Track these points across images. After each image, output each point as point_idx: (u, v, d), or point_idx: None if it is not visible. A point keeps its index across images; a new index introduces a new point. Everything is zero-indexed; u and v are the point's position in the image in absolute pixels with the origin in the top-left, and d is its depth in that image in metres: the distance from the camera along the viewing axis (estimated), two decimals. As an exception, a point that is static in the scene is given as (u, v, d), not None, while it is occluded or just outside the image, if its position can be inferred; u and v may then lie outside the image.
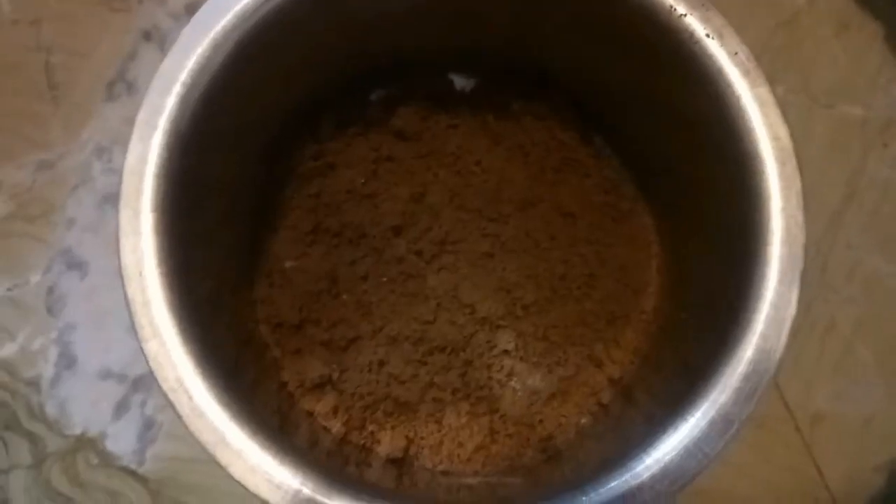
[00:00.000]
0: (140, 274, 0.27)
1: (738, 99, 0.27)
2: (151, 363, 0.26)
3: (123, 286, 0.27)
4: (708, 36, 0.28)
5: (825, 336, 0.40)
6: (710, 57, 0.28)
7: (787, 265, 0.26)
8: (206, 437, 0.26)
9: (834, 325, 0.40)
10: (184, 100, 0.28)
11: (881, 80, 0.42)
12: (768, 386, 0.26)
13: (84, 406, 0.40)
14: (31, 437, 0.40)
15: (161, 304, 0.27)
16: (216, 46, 0.29)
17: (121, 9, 0.45)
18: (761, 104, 0.27)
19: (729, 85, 0.28)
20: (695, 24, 0.28)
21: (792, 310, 0.26)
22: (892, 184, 0.41)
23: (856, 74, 0.42)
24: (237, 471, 0.25)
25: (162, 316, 0.27)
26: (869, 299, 0.40)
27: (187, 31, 0.29)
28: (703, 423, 0.26)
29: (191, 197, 0.29)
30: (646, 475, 0.26)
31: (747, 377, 0.26)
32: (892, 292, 0.40)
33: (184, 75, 0.28)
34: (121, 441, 0.39)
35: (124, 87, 0.44)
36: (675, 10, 0.28)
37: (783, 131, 0.27)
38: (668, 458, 0.25)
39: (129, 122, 0.28)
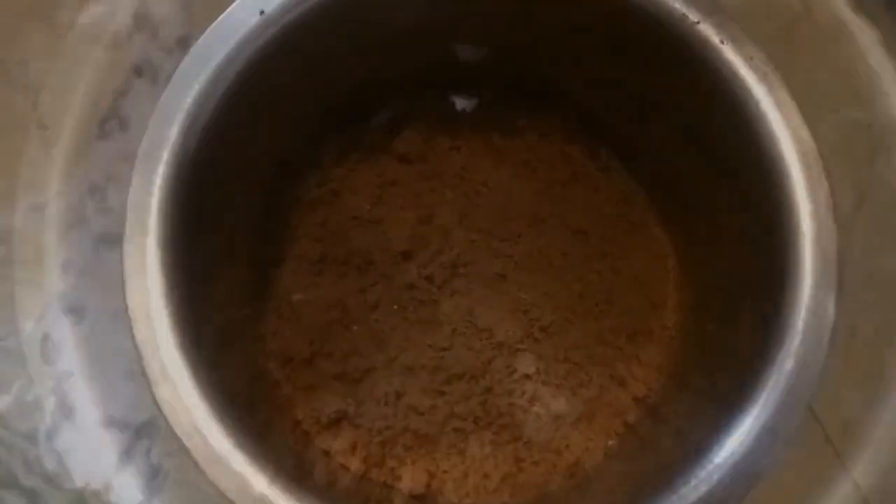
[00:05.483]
0: (148, 315, 0.26)
1: (756, 103, 0.27)
2: (164, 408, 0.25)
3: (132, 329, 0.25)
4: (722, 42, 0.27)
5: (848, 344, 0.39)
6: (725, 63, 0.27)
7: (821, 270, 0.25)
8: (225, 484, 0.24)
9: (856, 332, 0.39)
10: (188, 130, 0.27)
11: (882, 84, 0.42)
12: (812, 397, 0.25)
13: (85, 457, 0.38)
14: (30, 495, 0.38)
15: (171, 346, 0.26)
16: (218, 76, 0.28)
17: (110, 45, 0.44)
18: (781, 107, 0.27)
19: (747, 90, 0.27)
20: (708, 31, 0.28)
21: (831, 316, 0.25)
22: (903, 185, 0.40)
23: (857, 79, 0.42)
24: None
25: (172, 358, 0.26)
26: (889, 304, 0.39)
27: (187, 62, 0.29)
28: (749, 440, 0.24)
29: (196, 231, 0.28)
30: (692, 497, 0.24)
31: (790, 389, 0.25)
32: (912, 295, 0.39)
33: (187, 105, 0.27)
34: (126, 492, 0.37)
35: (117, 123, 0.43)
36: (687, 17, 0.28)
37: (806, 133, 0.26)
38: (715, 477, 0.24)
39: (124, 158, 0.27)
